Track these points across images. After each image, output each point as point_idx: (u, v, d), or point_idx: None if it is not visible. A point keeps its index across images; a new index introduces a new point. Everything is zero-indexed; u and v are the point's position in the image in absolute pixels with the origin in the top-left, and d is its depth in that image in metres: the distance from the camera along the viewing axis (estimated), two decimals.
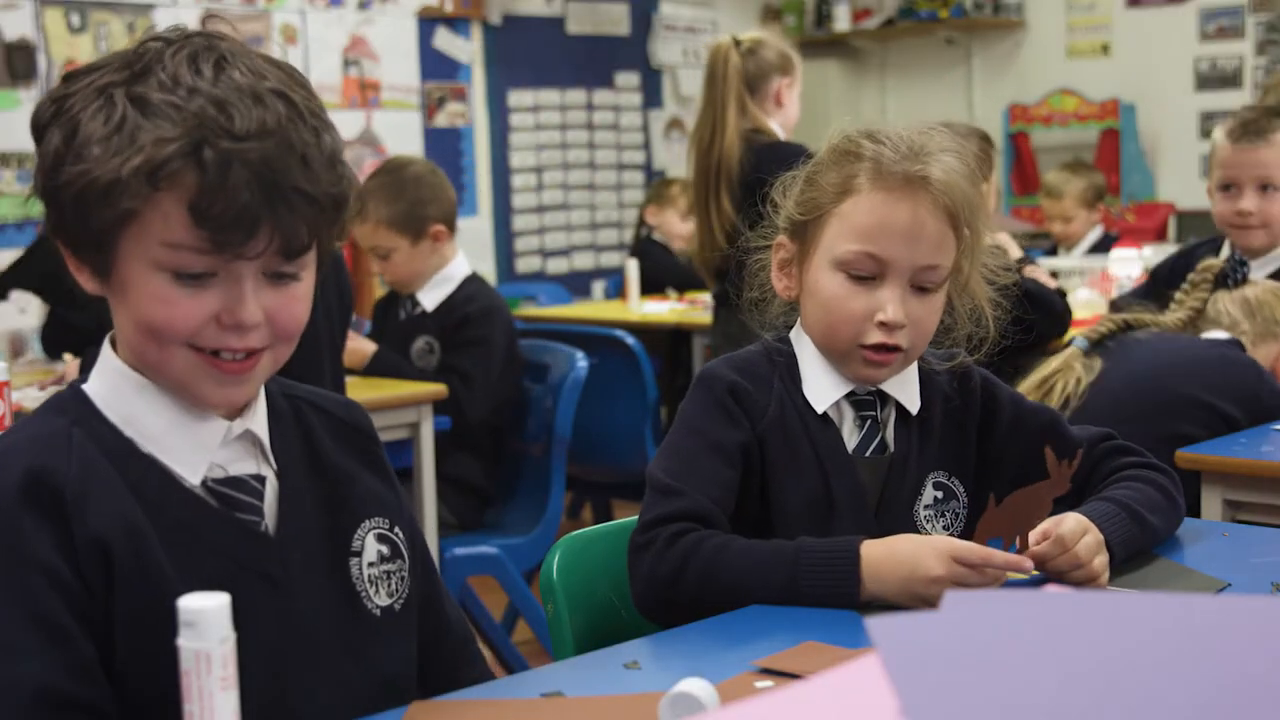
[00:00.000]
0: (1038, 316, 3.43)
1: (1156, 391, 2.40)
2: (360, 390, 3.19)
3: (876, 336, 1.61)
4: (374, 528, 1.37)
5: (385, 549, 1.37)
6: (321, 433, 1.38)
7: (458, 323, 3.44)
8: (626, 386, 3.98)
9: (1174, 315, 2.61)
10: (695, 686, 1.15)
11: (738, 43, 3.59)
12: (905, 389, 1.69)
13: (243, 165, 1.15)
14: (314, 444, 1.36)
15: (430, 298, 3.50)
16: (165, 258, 1.18)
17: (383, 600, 1.35)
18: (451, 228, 3.49)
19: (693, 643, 1.42)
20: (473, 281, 3.53)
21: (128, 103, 1.17)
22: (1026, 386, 2.47)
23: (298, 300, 1.25)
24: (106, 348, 1.28)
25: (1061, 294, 3.57)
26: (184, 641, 0.99)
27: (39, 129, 1.22)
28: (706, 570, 1.50)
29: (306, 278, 1.26)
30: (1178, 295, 2.66)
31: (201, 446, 1.25)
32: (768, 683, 1.27)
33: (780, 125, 3.62)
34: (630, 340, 3.96)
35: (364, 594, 1.33)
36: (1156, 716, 0.74)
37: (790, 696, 0.83)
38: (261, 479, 1.29)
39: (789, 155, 3.40)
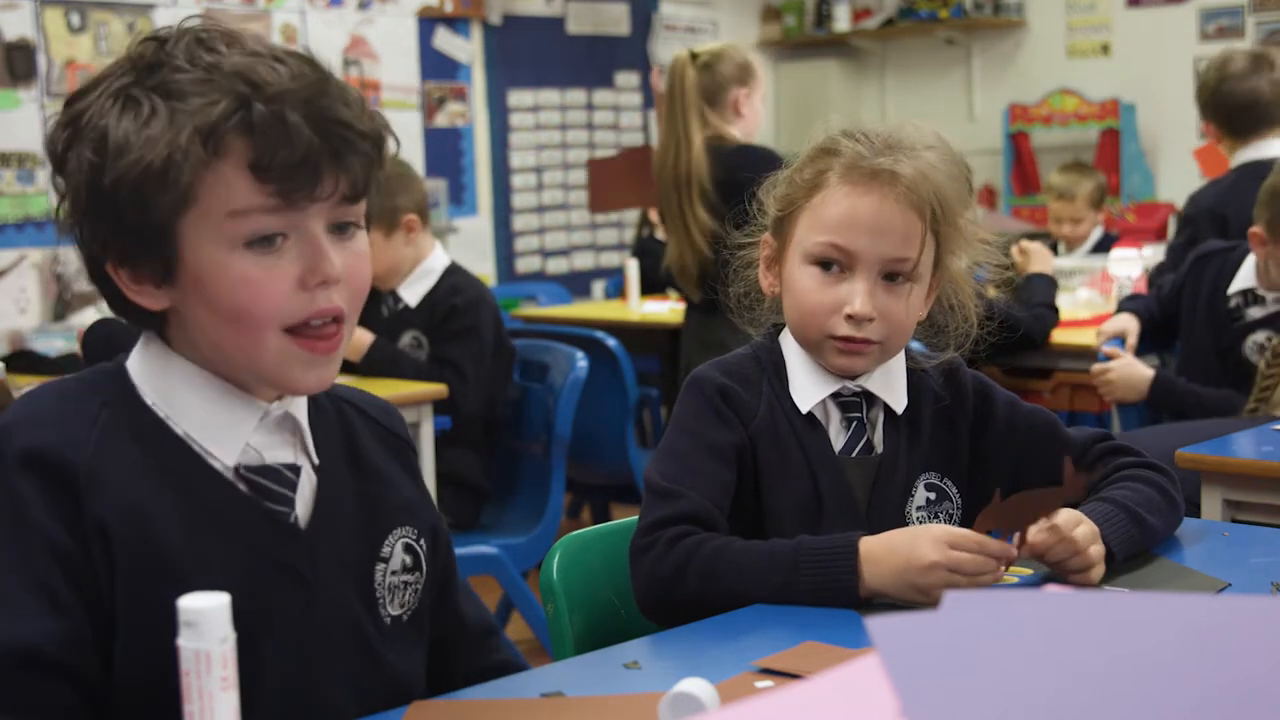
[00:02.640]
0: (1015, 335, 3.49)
1: None
2: None
3: (844, 329, 1.62)
4: (403, 536, 1.36)
5: (409, 559, 1.37)
6: (363, 433, 1.38)
7: (445, 316, 3.41)
8: (608, 389, 3.94)
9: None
10: (695, 686, 1.15)
11: (694, 56, 3.70)
12: (891, 388, 1.69)
13: (293, 109, 1.16)
14: (355, 443, 1.36)
15: (413, 293, 3.46)
16: (236, 228, 1.17)
17: (394, 610, 1.34)
18: (424, 218, 3.46)
19: (693, 643, 1.42)
20: (454, 272, 3.50)
21: (151, 94, 1.17)
22: None
23: (363, 258, 1.26)
24: (145, 337, 1.27)
25: (1054, 310, 3.64)
26: (184, 641, 0.99)
27: (60, 154, 1.20)
28: (707, 571, 1.50)
29: (362, 234, 1.26)
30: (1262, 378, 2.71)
31: (238, 426, 1.24)
32: (768, 683, 1.27)
33: (742, 133, 3.71)
34: (611, 342, 3.90)
35: (381, 600, 1.33)
36: (1156, 716, 0.74)
37: (790, 696, 0.83)
38: (296, 469, 1.28)
39: (758, 156, 3.46)
